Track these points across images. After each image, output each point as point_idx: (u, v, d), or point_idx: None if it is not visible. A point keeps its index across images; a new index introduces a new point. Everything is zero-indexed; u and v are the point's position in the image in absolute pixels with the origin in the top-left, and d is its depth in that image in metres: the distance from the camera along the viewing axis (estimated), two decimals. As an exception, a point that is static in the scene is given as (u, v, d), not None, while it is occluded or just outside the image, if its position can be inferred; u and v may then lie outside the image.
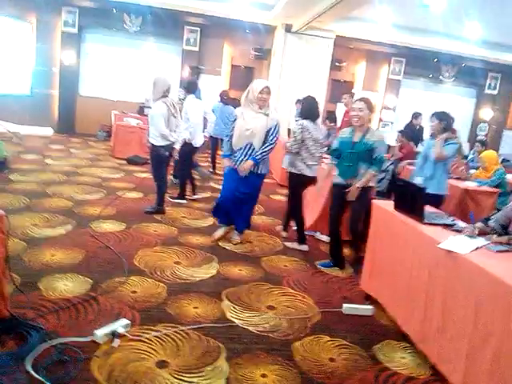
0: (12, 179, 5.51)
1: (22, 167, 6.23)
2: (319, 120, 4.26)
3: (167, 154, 4.64)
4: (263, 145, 3.83)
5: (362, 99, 3.62)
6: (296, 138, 3.96)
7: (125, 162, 7.55)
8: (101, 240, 3.80)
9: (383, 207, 3.18)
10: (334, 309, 3.04)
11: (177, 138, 4.70)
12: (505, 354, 1.88)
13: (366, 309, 3.07)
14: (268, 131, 3.82)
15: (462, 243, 2.38)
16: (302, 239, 4.24)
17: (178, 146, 4.82)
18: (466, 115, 11.64)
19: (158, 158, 4.65)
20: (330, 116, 7.29)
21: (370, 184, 3.67)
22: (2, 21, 8.31)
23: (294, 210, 4.28)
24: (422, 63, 10.93)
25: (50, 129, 10.01)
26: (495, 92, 11.72)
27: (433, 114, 4.12)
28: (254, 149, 3.83)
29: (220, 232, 4.26)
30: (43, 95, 10.08)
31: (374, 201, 3.39)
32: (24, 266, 3.10)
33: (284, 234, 4.59)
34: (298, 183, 4.10)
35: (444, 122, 3.99)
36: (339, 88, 10.75)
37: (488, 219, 2.70)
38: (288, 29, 9.55)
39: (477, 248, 2.32)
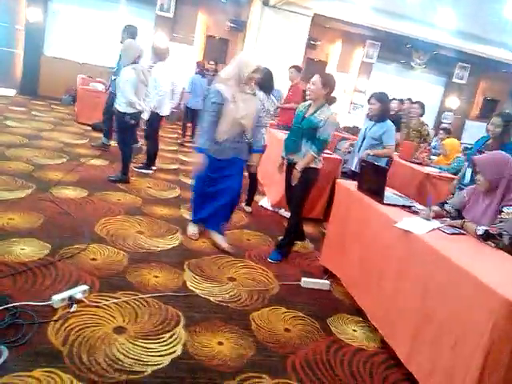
0: (-32, 139, 5.26)
1: (-20, 127, 5.94)
2: (275, 92, 4.59)
3: (133, 121, 4.54)
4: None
5: (319, 74, 3.44)
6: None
7: (89, 128, 7.32)
8: (61, 206, 3.71)
9: (346, 187, 3.25)
10: (293, 282, 3.13)
11: (145, 107, 4.61)
12: (447, 330, 2.01)
13: (324, 283, 3.17)
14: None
15: (418, 224, 2.49)
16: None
17: (146, 116, 4.72)
18: (433, 103, 11.92)
19: (124, 126, 4.55)
20: (303, 94, 7.29)
21: (313, 165, 3.41)
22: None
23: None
24: (396, 48, 11.06)
25: (12, 90, 9.52)
26: (463, 82, 12.05)
27: (372, 96, 4.06)
28: (244, 136, 3.42)
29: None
30: (5, 53, 9.54)
31: (338, 180, 3.46)
32: (-21, 229, 3.01)
33: (248, 208, 4.62)
34: None
35: (383, 104, 3.94)
36: (313, 67, 10.74)
37: (444, 203, 2.82)
38: (265, 2, 9.40)
39: (432, 230, 2.43)
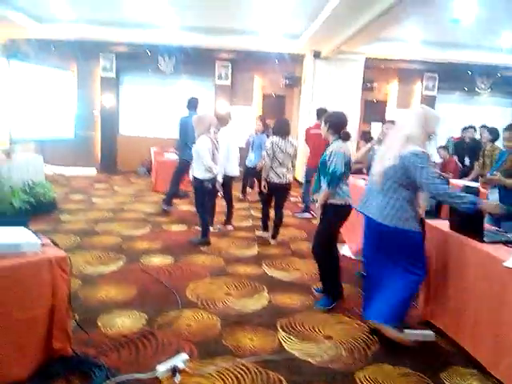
0: (62, 219, 5.74)
1: (70, 207, 6.49)
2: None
3: (211, 186, 4.79)
4: None
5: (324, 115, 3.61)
6: (267, 152, 4.82)
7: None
8: (151, 274, 3.86)
9: (438, 227, 3.07)
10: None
11: (219, 171, 4.93)
12: None
13: (428, 334, 2.93)
14: None
15: None
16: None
17: (220, 178, 5.05)
18: (505, 124, 11.22)
19: (203, 191, 4.78)
20: (365, 135, 7.26)
21: (332, 201, 3.32)
22: (47, 71, 8.95)
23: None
24: (456, 77, 10.73)
25: (94, 169, 10.47)
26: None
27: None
28: None
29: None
30: (86, 137, 10.60)
31: (426, 220, 3.28)
32: (81, 304, 3.18)
33: (272, 241, 5.10)
34: (269, 189, 4.93)
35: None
36: (372, 108, 10.72)
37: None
38: (317, 55, 9.67)
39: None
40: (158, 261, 4.26)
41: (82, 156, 10.53)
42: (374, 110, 10.79)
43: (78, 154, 10.41)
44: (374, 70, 10.38)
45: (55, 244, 2.41)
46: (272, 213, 5.19)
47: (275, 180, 4.86)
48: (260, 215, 5.46)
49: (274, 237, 5.15)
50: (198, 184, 4.76)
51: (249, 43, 9.39)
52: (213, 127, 4.85)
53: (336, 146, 3.36)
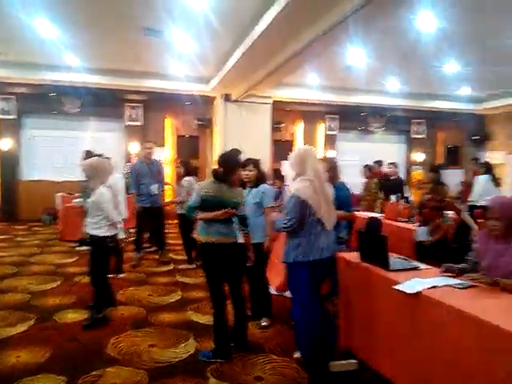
0: (-45, 279, 5.12)
1: (-35, 264, 5.82)
2: None
3: (112, 244, 3.95)
4: None
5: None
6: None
7: (77, 243, 7.27)
8: (67, 332, 3.59)
9: (350, 259, 3.32)
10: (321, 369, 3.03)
11: (121, 226, 4.07)
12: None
13: (351, 363, 3.09)
14: None
15: (418, 284, 2.55)
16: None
17: (122, 234, 4.10)
18: (399, 160, 12.55)
19: (102, 252, 3.90)
20: (277, 174, 7.61)
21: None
22: None
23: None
24: (353, 118, 11.88)
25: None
26: (423, 136, 12.84)
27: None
28: None
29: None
30: (-19, 183, 9.67)
31: (339, 253, 3.53)
32: (-14, 375, 2.85)
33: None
34: None
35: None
36: (281, 147, 11.33)
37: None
38: (227, 98, 10.06)
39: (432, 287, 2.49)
40: (73, 317, 3.97)
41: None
42: (282, 149, 11.40)
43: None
44: (282, 112, 11.06)
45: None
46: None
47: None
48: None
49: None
50: (98, 244, 3.87)
51: (160, 85, 9.48)
52: (110, 174, 4.20)
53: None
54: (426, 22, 5.62)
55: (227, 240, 3.22)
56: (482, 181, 7.44)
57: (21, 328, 3.67)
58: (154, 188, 6.02)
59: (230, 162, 3.32)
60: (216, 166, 3.36)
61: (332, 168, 3.84)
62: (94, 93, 9.67)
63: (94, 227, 3.84)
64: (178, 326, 3.82)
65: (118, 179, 5.31)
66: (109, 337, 3.53)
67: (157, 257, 6.38)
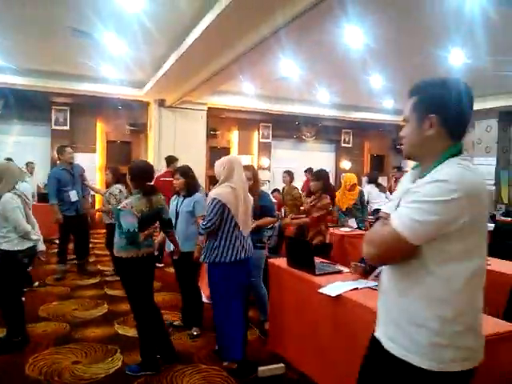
0: None
1: None
2: None
3: (26, 260, 3.48)
4: None
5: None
6: None
7: None
8: (-21, 354, 3.30)
9: (278, 265, 3.40)
10: (251, 376, 3.06)
11: (39, 237, 3.62)
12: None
13: (277, 367, 3.15)
14: None
15: (340, 287, 2.69)
16: None
17: (42, 246, 3.69)
18: (329, 167, 13.08)
19: (15, 269, 3.44)
20: (213, 181, 7.66)
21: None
22: None
23: None
24: (287, 126, 12.21)
25: None
26: (350, 145, 13.50)
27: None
28: None
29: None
30: None
31: (269, 260, 3.60)
32: None
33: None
34: None
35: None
36: (217, 154, 11.31)
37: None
38: (161, 103, 9.92)
39: (354, 289, 2.65)
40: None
41: None
42: (218, 156, 11.34)
43: None
44: (217, 119, 11.10)
45: None
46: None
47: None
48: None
49: None
50: (7, 260, 3.39)
51: (89, 88, 9.08)
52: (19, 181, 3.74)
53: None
54: (354, 37, 5.92)
55: (152, 250, 3.22)
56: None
57: None
58: (73, 194, 5.70)
59: (144, 172, 3.28)
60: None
61: (254, 176, 3.93)
62: (18, 94, 9.03)
63: (2, 241, 3.39)
64: (104, 341, 3.67)
65: (27, 187, 4.99)
66: (28, 355, 3.31)
67: (87, 268, 6.07)
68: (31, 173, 8.82)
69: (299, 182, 8.98)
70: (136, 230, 2.98)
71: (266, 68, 7.67)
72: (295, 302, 3.15)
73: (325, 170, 5.36)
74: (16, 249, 3.38)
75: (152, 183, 3.44)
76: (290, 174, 7.15)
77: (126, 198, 3.94)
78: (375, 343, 1.46)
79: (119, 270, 3.16)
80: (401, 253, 1.32)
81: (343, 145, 13.45)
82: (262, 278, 3.92)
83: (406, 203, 1.31)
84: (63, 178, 5.72)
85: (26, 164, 8.80)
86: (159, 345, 3.25)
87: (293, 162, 11.36)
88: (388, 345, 1.39)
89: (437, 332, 1.29)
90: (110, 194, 5.49)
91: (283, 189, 7.43)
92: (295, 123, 12.17)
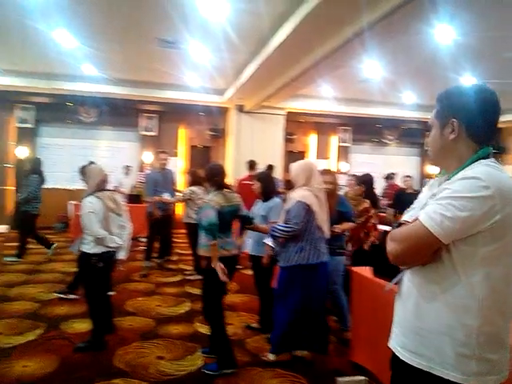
0: (-32, 284, 5.16)
1: (-22, 270, 5.87)
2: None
3: (101, 264, 3.42)
4: None
5: None
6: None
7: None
8: (74, 342, 3.56)
9: (363, 274, 3.25)
10: (329, 385, 2.96)
11: (121, 244, 3.55)
12: None
13: (359, 380, 3.00)
14: None
15: None
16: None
17: (123, 255, 3.61)
18: (412, 172, 12.40)
19: (91, 271, 3.44)
20: (289, 185, 7.62)
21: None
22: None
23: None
24: (367, 129, 11.80)
25: (5, 226, 9.62)
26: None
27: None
28: None
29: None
30: (-5, 191, 9.82)
31: (351, 268, 3.46)
32: (-7, 384, 2.84)
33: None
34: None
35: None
36: (294, 158, 11.24)
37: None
38: (240, 109, 10.12)
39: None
40: (81, 327, 3.94)
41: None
42: (295, 160, 11.31)
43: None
44: (295, 124, 11.06)
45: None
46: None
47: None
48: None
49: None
50: (83, 262, 3.49)
51: (174, 96, 9.58)
52: (106, 183, 3.67)
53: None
54: (443, 36, 5.56)
55: (235, 252, 3.29)
56: None
57: (29, 337, 3.66)
58: (166, 196, 6.04)
59: (217, 173, 3.36)
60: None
61: (333, 181, 3.81)
62: (111, 103, 9.81)
63: (83, 242, 3.47)
64: (185, 338, 3.78)
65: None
66: (116, 347, 3.50)
67: (168, 267, 6.37)
68: (128, 175, 9.52)
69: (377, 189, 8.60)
70: (215, 222, 3.05)
71: (346, 70, 7.47)
72: (380, 312, 2.98)
73: (369, 174, 5.11)
74: (91, 252, 3.40)
75: (225, 183, 3.46)
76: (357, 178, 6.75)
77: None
78: (396, 360, 1.40)
79: (204, 268, 3.20)
80: (427, 250, 1.27)
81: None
82: (342, 285, 3.79)
83: (434, 201, 1.26)
84: (158, 180, 6.16)
85: (124, 167, 9.49)
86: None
87: (373, 167, 10.95)
88: (410, 357, 1.33)
89: (461, 342, 1.23)
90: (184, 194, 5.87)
91: (346, 193, 7.04)
92: (376, 126, 11.74)
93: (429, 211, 1.25)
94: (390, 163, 11.55)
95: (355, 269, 3.43)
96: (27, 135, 10.02)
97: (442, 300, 1.27)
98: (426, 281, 1.32)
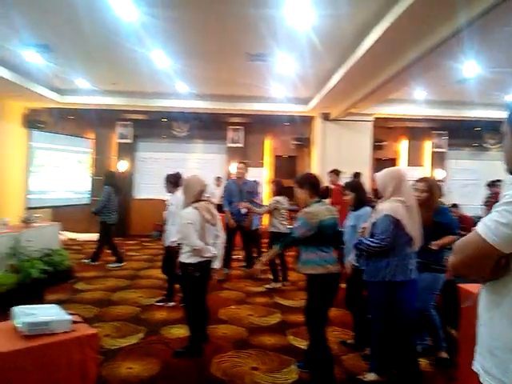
0: (78, 288, 5.64)
1: (86, 275, 6.39)
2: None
3: (198, 274, 3.50)
4: None
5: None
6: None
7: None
8: (173, 347, 3.70)
9: (472, 290, 2.94)
10: None
11: (216, 253, 3.65)
12: None
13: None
14: None
15: None
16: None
17: (217, 264, 3.71)
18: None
19: (188, 280, 3.54)
20: (377, 195, 7.30)
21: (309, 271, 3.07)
22: (67, 138, 9.38)
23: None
24: (465, 134, 10.93)
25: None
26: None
27: None
28: None
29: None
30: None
31: (459, 285, 3.16)
32: (104, 382, 3.02)
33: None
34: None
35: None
36: (383, 166, 10.79)
37: None
38: (326, 117, 9.97)
39: None
40: (178, 332, 4.09)
41: (95, 221, 10.54)
42: (383, 169, 10.90)
43: (91, 219, 10.42)
44: (383, 130, 10.62)
45: (85, 321, 2.33)
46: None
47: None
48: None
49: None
50: (182, 271, 3.57)
51: (260, 108, 9.75)
52: (204, 193, 3.68)
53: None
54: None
55: (337, 269, 3.10)
56: None
57: (132, 340, 3.87)
58: (241, 207, 6.07)
59: (316, 181, 3.17)
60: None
61: (429, 188, 3.47)
62: (200, 117, 10.31)
63: (182, 252, 3.57)
64: (278, 350, 3.73)
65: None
66: (212, 355, 3.56)
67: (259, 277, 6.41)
68: (218, 185, 9.88)
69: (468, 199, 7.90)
70: (297, 237, 2.99)
71: (441, 72, 6.98)
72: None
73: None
74: (187, 261, 3.48)
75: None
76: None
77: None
78: None
79: (309, 284, 3.08)
80: (485, 260, 1.18)
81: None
82: (434, 303, 3.52)
83: (494, 208, 1.20)
84: (232, 189, 6.30)
85: (216, 178, 9.87)
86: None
87: (473, 174, 10.10)
88: (485, 379, 1.23)
89: None
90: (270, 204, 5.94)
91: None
92: (475, 129, 10.83)
93: (485, 219, 1.19)
94: (492, 169, 10.55)
95: (464, 286, 3.13)
96: (127, 150, 10.89)
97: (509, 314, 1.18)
98: (496, 296, 1.23)
